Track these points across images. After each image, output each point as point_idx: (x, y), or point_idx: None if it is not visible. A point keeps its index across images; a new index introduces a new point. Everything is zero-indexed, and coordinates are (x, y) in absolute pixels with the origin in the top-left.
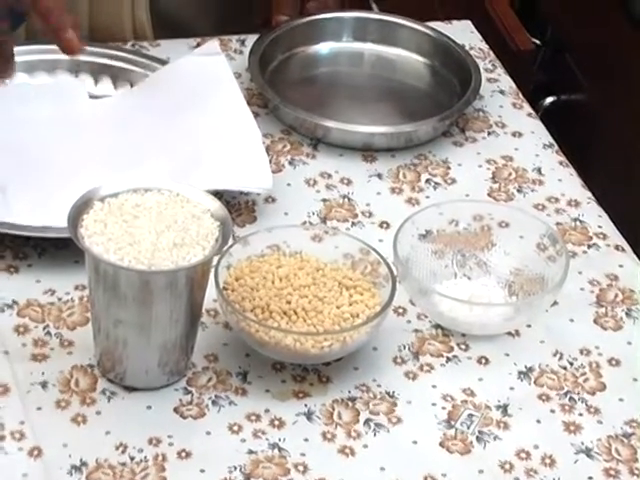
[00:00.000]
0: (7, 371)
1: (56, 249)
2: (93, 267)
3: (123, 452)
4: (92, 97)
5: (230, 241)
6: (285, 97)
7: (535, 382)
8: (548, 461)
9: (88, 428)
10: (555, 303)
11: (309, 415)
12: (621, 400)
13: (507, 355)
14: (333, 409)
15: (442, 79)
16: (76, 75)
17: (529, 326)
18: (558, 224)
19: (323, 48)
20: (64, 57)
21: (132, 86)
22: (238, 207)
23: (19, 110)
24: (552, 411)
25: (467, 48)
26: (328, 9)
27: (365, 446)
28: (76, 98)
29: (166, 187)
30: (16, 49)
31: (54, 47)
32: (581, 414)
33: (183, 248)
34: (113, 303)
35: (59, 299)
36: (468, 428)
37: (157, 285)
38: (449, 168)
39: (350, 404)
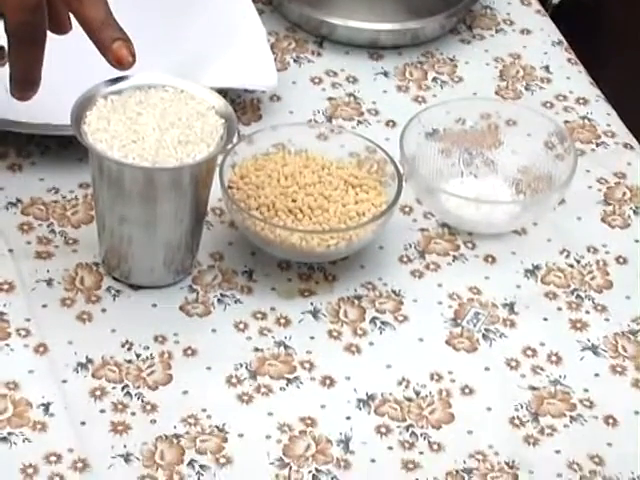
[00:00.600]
0: (12, 269)
1: (59, 147)
2: (97, 164)
3: (129, 349)
4: None
5: (235, 139)
6: None
7: (542, 280)
8: (554, 358)
9: (93, 326)
10: (562, 201)
11: (315, 313)
12: (628, 298)
13: (514, 253)
14: (339, 307)
15: None
16: None
17: (536, 224)
18: (566, 122)
19: None
20: None
21: None
22: (243, 105)
23: None
24: (559, 309)
25: None
26: None
27: (371, 344)
28: None
29: (170, 84)
30: None
31: None
32: (588, 312)
33: (188, 145)
34: (117, 201)
35: (63, 197)
36: (474, 326)
37: (161, 182)
38: (456, 66)
39: (356, 302)
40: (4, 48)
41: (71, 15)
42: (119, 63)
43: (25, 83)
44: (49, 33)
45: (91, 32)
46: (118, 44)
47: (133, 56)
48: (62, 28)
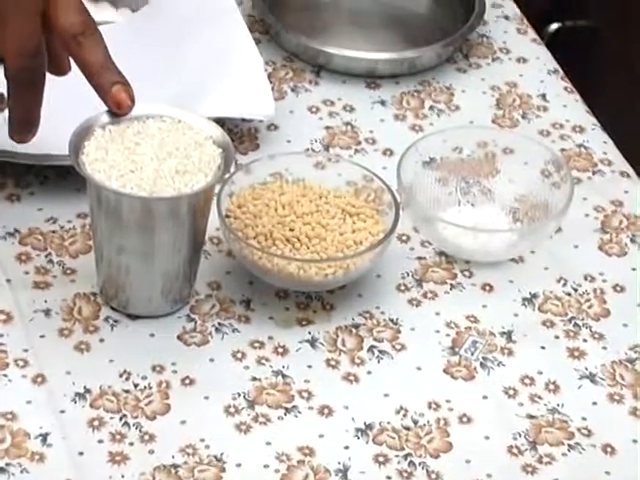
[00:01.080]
0: (10, 299)
1: (58, 177)
2: (95, 194)
3: (127, 379)
4: None
5: (232, 168)
6: (287, 23)
7: (539, 308)
8: (552, 387)
9: (91, 356)
10: (559, 229)
11: (313, 342)
12: (625, 326)
13: (511, 282)
14: (337, 336)
15: (445, 4)
16: None
17: (533, 252)
18: (563, 150)
19: None
20: None
21: (133, 12)
22: (241, 134)
23: None
24: (556, 337)
25: None
26: None
27: (369, 373)
28: None
29: (168, 114)
30: None
31: None
32: (585, 340)
33: (185, 175)
34: (115, 230)
35: (61, 227)
36: (472, 354)
37: (159, 212)
38: (453, 95)
39: (354, 331)
40: (3, 94)
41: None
42: (118, 107)
43: (24, 125)
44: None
45: (90, 76)
46: (117, 88)
47: (132, 100)
48: (61, 70)
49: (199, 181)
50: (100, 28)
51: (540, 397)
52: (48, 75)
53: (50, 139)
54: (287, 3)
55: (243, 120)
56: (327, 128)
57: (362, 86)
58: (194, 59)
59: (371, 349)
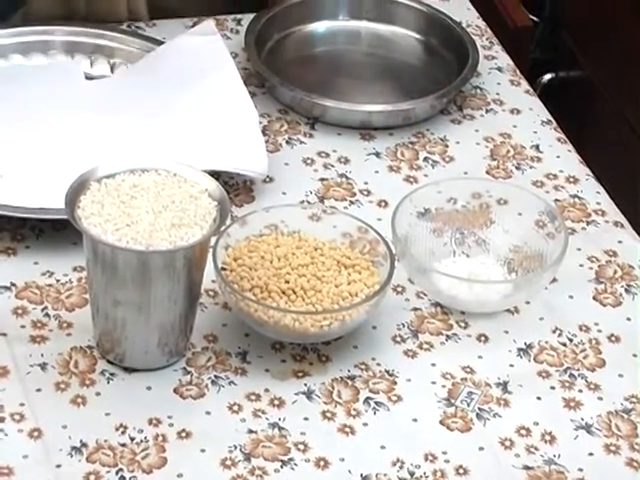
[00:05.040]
0: (6, 353)
1: (54, 231)
2: (91, 248)
3: (123, 433)
4: (88, 78)
5: (228, 221)
6: (282, 76)
7: (535, 359)
8: (548, 438)
9: (88, 409)
10: (554, 280)
11: (309, 394)
12: (621, 376)
13: (506, 332)
14: (333, 388)
15: (439, 57)
16: (72, 56)
17: (528, 303)
18: (557, 201)
19: (319, 27)
20: (59, 38)
21: (128, 67)
22: (236, 187)
23: (15, 91)
24: (552, 388)
25: (464, 25)
26: None
27: (365, 424)
28: (72, 79)
29: (163, 167)
30: (11, 30)
31: (49, 28)
32: (581, 390)
33: (181, 228)
34: (111, 284)
35: (57, 281)
36: (468, 405)
37: (155, 265)
38: (447, 146)
39: (350, 383)
40: None
41: None
42: None
43: None
44: (43, 122)
45: None
46: None
47: None
48: None
49: (195, 234)
50: (96, 82)
51: (536, 448)
52: (44, 129)
53: (46, 193)
54: (282, 56)
55: (238, 173)
56: (322, 180)
57: (357, 138)
58: (189, 112)
59: (367, 401)
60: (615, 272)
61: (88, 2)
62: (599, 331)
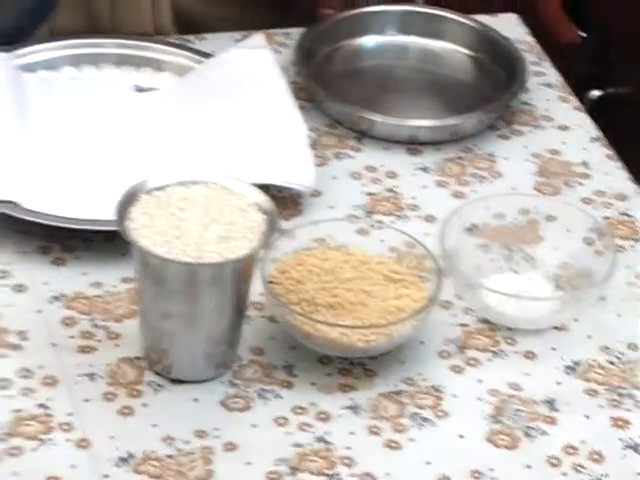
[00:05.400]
0: (55, 363)
1: (103, 242)
2: (140, 260)
3: (170, 444)
4: (138, 90)
5: (276, 234)
6: (330, 90)
7: (582, 377)
8: (596, 456)
9: (135, 420)
10: (602, 297)
11: (355, 408)
12: None
13: (554, 349)
14: (379, 402)
15: (488, 72)
16: (121, 68)
17: (576, 320)
18: (605, 218)
19: (368, 41)
20: (109, 51)
21: (177, 79)
22: (284, 200)
23: (66, 103)
24: (600, 406)
25: (513, 41)
26: None
27: (411, 440)
28: (122, 91)
29: (213, 180)
30: (61, 43)
31: (99, 41)
32: (629, 409)
33: (230, 241)
34: (160, 296)
35: (106, 291)
36: (515, 423)
37: (204, 278)
38: (495, 162)
39: (396, 397)
40: None
41: None
42: None
43: None
44: (93, 133)
45: None
46: None
47: None
48: None
49: (243, 247)
50: (146, 95)
51: (584, 467)
52: (94, 141)
53: (95, 204)
54: (330, 70)
55: (285, 186)
56: (369, 194)
57: (404, 152)
58: (238, 125)
59: (413, 416)
60: None
61: (113, 16)
62: None
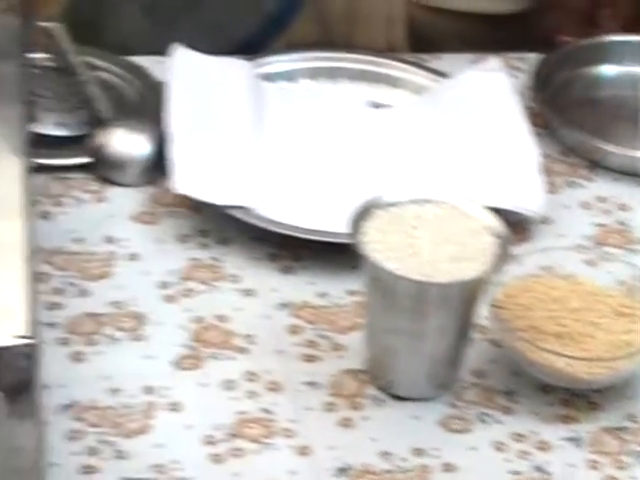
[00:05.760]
0: (280, 369)
1: (332, 253)
2: (371, 274)
3: (387, 459)
4: (372, 105)
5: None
6: (566, 118)
7: None
8: None
9: (354, 432)
10: None
11: (576, 440)
12: None
13: None
14: (600, 437)
15: None
16: (355, 83)
17: None
18: None
19: (608, 70)
20: (345, 65)
21: (412, 97)
22: (512, 225)
23: (303, 114)
24: None
25: None
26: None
27: (632, 478)
28: (357, 105)
29: (445, 200)
30: (300, 55)
31: (335, 54)
32: None
33: (461, 262)
34: (388, 311)
35: (332, 303)
36: None
37: (433, 297)
38: None
39: (618, 433)
40: None
41: None
42: None
43: None
44: (326, 145)
45: None
46: None
47: None
48: None
49: (475, 269)
50: (380, 110)
51: None
52: (327, 153)
53: (327, 216)
54: (567, 98)
55: (514, 211)
56: (599, 225)
57: (636, 185)
58: (470, 146)
59: (633, 453)
60: None
61: (348, 32)
62: None
